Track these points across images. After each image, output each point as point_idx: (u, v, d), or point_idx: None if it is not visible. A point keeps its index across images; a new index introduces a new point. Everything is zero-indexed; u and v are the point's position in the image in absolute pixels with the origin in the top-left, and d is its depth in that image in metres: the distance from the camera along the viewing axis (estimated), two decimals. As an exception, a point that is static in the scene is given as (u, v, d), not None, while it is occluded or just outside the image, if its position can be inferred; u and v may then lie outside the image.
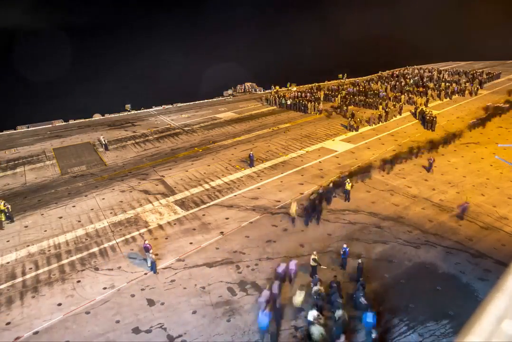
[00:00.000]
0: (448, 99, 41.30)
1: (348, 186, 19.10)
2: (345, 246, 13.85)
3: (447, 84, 45.29)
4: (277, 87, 48.01)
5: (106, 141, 29.10)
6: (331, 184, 19.54)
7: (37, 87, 57.68)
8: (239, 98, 47.84)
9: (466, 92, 43.02)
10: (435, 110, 36.96)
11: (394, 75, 54.81)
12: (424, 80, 49.24)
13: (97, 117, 40.14)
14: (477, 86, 44.65)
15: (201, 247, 15.82)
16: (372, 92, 42.69)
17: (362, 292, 12.01)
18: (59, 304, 12.78)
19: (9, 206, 18.28)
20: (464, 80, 48.52)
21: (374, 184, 21.23)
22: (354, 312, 11.72)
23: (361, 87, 46.29)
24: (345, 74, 56.08)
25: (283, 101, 40.13)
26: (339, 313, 11.05)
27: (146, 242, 14.56)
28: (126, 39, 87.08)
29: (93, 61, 75.85)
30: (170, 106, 43.85)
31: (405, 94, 40.65)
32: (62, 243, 16.43)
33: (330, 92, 43.73)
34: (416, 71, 57.59)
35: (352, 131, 30.78)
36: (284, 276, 13.32)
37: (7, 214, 18.13)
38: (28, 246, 16.31)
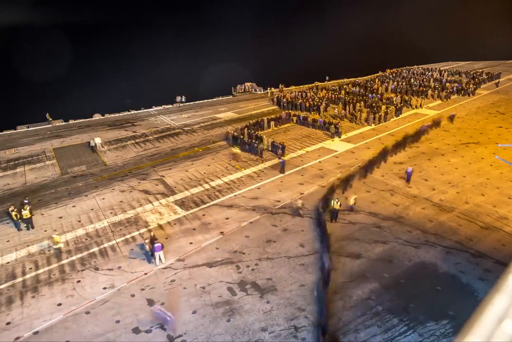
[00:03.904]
0: (447, 99, 41.33)
1: (336, 206, 17.06)
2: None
3: (449, 84, 45.30)
4: (272, 89, 48.18)
5: (95, 143, 28.43)
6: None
7: (37, 87, 57.67)
8: (238, 98, 47.86)
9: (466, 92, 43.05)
10: (435, 110, 36.99)
11: (396, 72, 54.89)
12: (425, 80, 49.21)
13: (97, 117, 40.12)
14: (474, 85, 44.56)
15: (201, 247, 15.82)
16: (371, 93, 42.70)
17: None
18: (59, 304, 12.78)
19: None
20: (465, 80, 48.51)
21: (374, 184, 21.23)
22: None
23: (362, 87, 46.27)
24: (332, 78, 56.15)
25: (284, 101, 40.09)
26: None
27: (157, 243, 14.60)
28: (127, 39, 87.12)
29: (93, 61, 75.91)
30: (170, 106, 43.84)
31: (399, 95, 40.53)
32: (62, 243, 16.41)
33: (332, 92, 43.70)
34: (417, 70, 57.57)
35: (334, 137, 29.33)
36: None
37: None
38: (28, 246, 16.31)
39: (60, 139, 32.13)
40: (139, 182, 22.45)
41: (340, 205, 17.19)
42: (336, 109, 36.54)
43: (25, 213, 17.25)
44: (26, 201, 18.74)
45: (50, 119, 37.32)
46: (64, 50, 71.07)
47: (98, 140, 28.97)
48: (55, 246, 15.77)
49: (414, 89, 43.21)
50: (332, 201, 17.36)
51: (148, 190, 21.40)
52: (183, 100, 42.83)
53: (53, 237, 15.80)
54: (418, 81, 47.97)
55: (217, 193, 20.68)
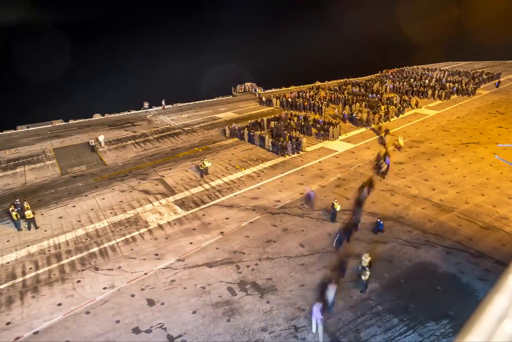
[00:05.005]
0: (447, 99, 41.35)
1: (336, 205, 17.08)
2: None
3: (450, 84, 45.30)
4: (260, 90, 48.51)
5: (94, 143, 28.60)
6: None
7: (37, 87, 57.66)
8: (238, 98, 47.88)
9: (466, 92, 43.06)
10: (435, 110, 37.00)
11: (396, 73, 54.94)
12: (425, 80, 49.22)
13: (97, 117, 40.14)
14: (473, 86, 44.50)
15: (201, 247, 15.83)
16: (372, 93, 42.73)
17: None
18: (59, 304, 12.78)
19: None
20: (465, 80, 48.49)
21: (374, 184, 21.22)
22: None
23: (362, 87, 46.29)
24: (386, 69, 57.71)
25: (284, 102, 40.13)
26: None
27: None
28: (127, 39, 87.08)
29: (93, 61, 75.89)
30: (170, 106, 43.85)
31: (399, 95, 40.70)
32: (62, 243, 16.44)
33: (332, 93, 43.73)
34: (416, 71, 57.58)
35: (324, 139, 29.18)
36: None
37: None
38: (28, 246, 16.31)
39: (60, 139, 32.15)
40: (139, 182, 22.45)
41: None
42: (336, 109, 36.55)
43: (28, 212, 17.26)
44: (17, 203, 18.49)
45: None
46: (64, 50, 71.05)
47: (101, 138, 29.09)
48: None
49: (414, 89, 43.21)
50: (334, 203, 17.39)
51: (148, 190, 21.40)
52: (147, 106, 42.24)
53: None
54: (418, 81, 47.98)
55: (217, 193, 20.68)
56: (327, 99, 39.53)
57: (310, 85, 51.66)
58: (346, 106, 37.06)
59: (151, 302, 12.75)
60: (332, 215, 17.39)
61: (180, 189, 21.33)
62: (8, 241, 16.74)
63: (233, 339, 11.20)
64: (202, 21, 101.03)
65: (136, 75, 68.02)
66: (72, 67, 67.27)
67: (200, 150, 27.74)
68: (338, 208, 17.13)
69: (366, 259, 13.19)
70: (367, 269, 12.73)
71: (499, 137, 28.45)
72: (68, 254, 15.66)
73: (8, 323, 12.03)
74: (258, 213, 18.35)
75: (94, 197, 20.74)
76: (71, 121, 38.26)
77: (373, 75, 57.82)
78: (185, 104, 44.75)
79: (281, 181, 21.95)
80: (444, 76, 52.60)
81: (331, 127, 29.25)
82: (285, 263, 14.59)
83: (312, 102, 37.91)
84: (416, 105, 38.08)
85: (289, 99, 39.85)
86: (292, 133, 29.19)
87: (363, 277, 12.78)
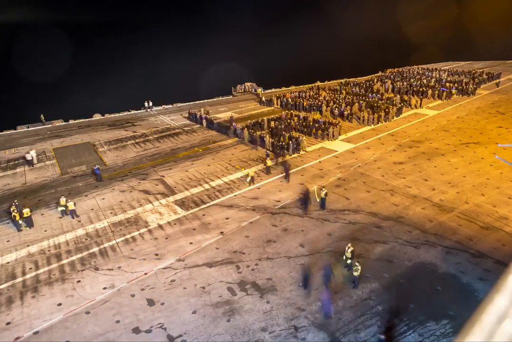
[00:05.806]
0: (447, 99, 41.34)
1: (322, 194, 18.22)
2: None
3: (450, 84, 45.28)
4: (260, 90, 48.56)
5: (33, 156, 25.66)
6: None
7: (37, 87, 57.66)
8: (238, 98, 47.87)
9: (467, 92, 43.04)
10: (435, 110, 36.99)
11: (396, 72, 54.95)
12: (425, 80, 49.20)
13: (97, 117, 40.14)
14: (474, 85, 44.46)
15: (201, 247, 15.83)
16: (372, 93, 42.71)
17: None
18: (59, 304, 12.78)
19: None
20: (465, 80, 48.47)
21: (374, 184, 21.23)
22: None
23: (362, 88, 46.27)
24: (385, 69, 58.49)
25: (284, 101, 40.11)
26: None
27: None
28: (127, 39, 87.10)
29: (93, 61, 75.90)
30: (170, 106, 43.84)
31: (400, 95, 40.74)
32: (62, 243, 16.44)
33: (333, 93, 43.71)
34: (416, 71, 57.57)
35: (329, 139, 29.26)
36: None
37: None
38: (28, 246, 16.31)
39: (60, 139, 32.15)
40: (139, 182, 22.45)
41: (326, 194, 18.29)
42: (337, 109, 36.49)
43: (26, 210, 17.27)
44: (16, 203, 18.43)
45: (44, 120, 37.04)
46: (64, 50, 71.07)
47: (33, 153, 25.94)
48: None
49: (414, 89, 43.20)
50: (321, 191, 18.46)
51: (148, 190, 21.40)
52: (151, 105, 42.28)
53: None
54: (418, 81, 47.97)
55: (217, 193, 20.68)
56: (326, 99, 39.49)
57: (310, 85, 51.65)
58: (347, 106, 37.03)
59: (151, 302, 12.75)
60: (320, 203, 18.43)
61: (180, 189, 21.33)
62: (8, 241, 16.74)
63: (233, 339, 11.20)
64: (203, 22, 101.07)
65: (136, 75, 67.99)
66: (72, 67, 67.27)
67: (200, 150, 27.74)
68: (323, 195, 18.22)
69: (348, 249, 13.97)
70: (357, 264, 13.01)
71: (499, 137, 28.44)
72: (68, 254, 15.66)
73: (8, 323, 12.03)
74: (258, 213, 18.35)
75: (94, 197, 20.74)
76: (71, 121, 38.27)
77: (373, 75, 57.82)
78: (185, 104, 44.73)
79: (281, 181, 21.95)
80: (444, 76, 52.58)
81: (331, 127, 29.25)
82: (285, 263, 14.59)
83: (312, 101, 37.87)
84: (416, 105, 38.07)
85: (289, 99, 39.83)
86: (292, 133, 29.18)
87: (355, 273, 13.02)
